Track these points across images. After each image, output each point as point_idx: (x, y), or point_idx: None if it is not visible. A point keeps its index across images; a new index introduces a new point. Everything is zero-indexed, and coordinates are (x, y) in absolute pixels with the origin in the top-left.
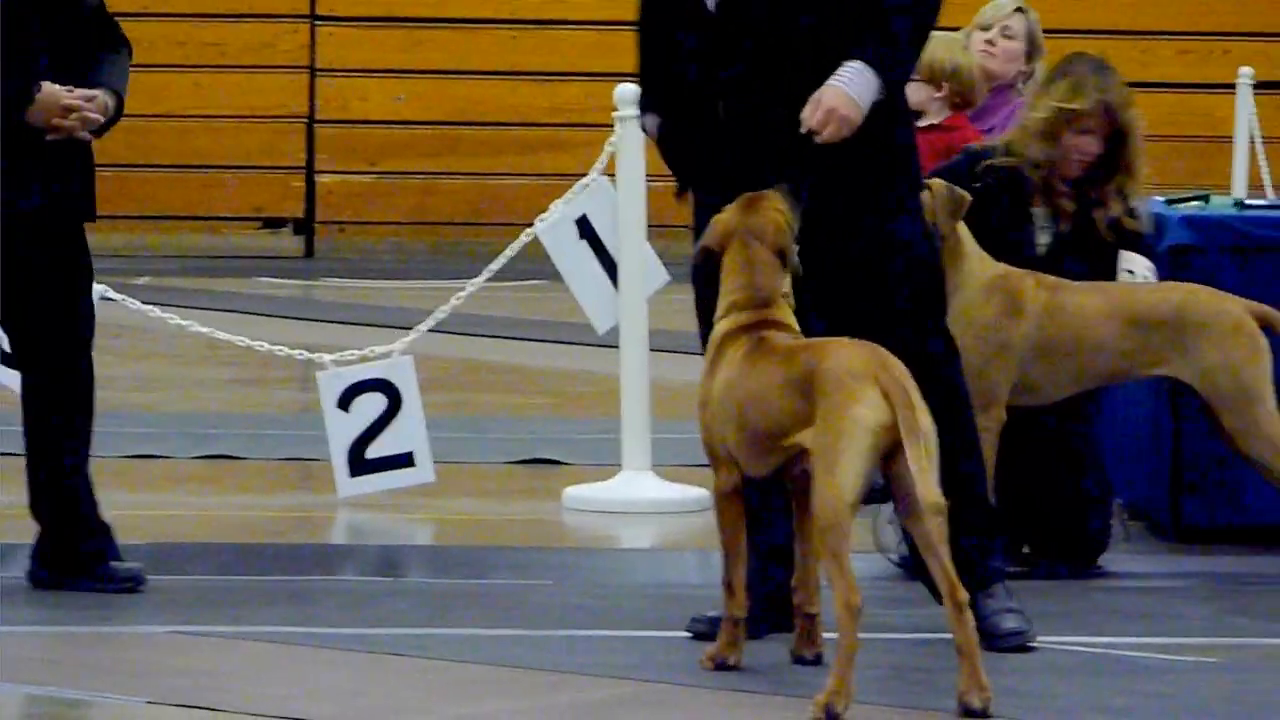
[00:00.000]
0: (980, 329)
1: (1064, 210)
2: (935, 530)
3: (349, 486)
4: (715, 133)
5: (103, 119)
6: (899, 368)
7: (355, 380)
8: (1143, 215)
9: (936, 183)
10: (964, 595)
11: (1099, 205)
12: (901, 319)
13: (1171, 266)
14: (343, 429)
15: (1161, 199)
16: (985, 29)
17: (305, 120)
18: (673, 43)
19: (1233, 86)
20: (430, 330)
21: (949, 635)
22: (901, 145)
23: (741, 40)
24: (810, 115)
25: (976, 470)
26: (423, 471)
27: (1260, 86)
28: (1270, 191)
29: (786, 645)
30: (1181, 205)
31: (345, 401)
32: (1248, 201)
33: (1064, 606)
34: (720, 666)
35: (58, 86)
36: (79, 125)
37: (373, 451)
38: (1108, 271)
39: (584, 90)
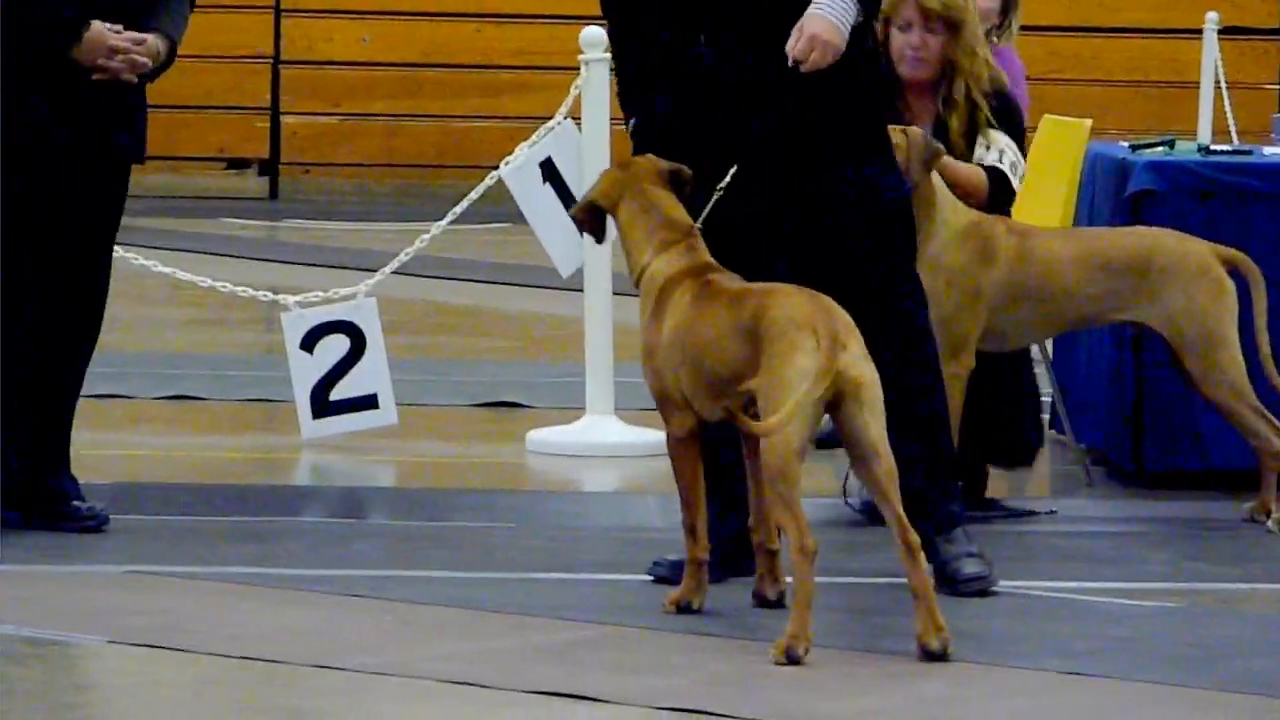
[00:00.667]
0: (952, 275)
1: (907, 118)
2: (883, 476)
3: (312, 428)
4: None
5: (152, 64)
6: (842, 316)
7: (319, 322)
8: (1003, 90)
9: (914, 131)
10: (915, 538)
11: (948, 107)
12: (869, 263)
13: (1136, 211)
14: (306, 371)
15: (1127, 144)
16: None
17: (270, 61)
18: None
19: (1199, 32)
20: (394, 272)
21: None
22: (874, 90)
23: None
24: (793, 45)
25: (938, 413)
26: (386, 414)
27: (1226, 32)
28: (1235, 137)
29: (748, 589)
30: (1147, 150)
31: (309, 343)
32: (1213, 147)
33: (1024, 551)
34: (683, 610)
35: (106, 26)
36: (125, 68)
37: (336, 393)
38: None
39: (549, 33)
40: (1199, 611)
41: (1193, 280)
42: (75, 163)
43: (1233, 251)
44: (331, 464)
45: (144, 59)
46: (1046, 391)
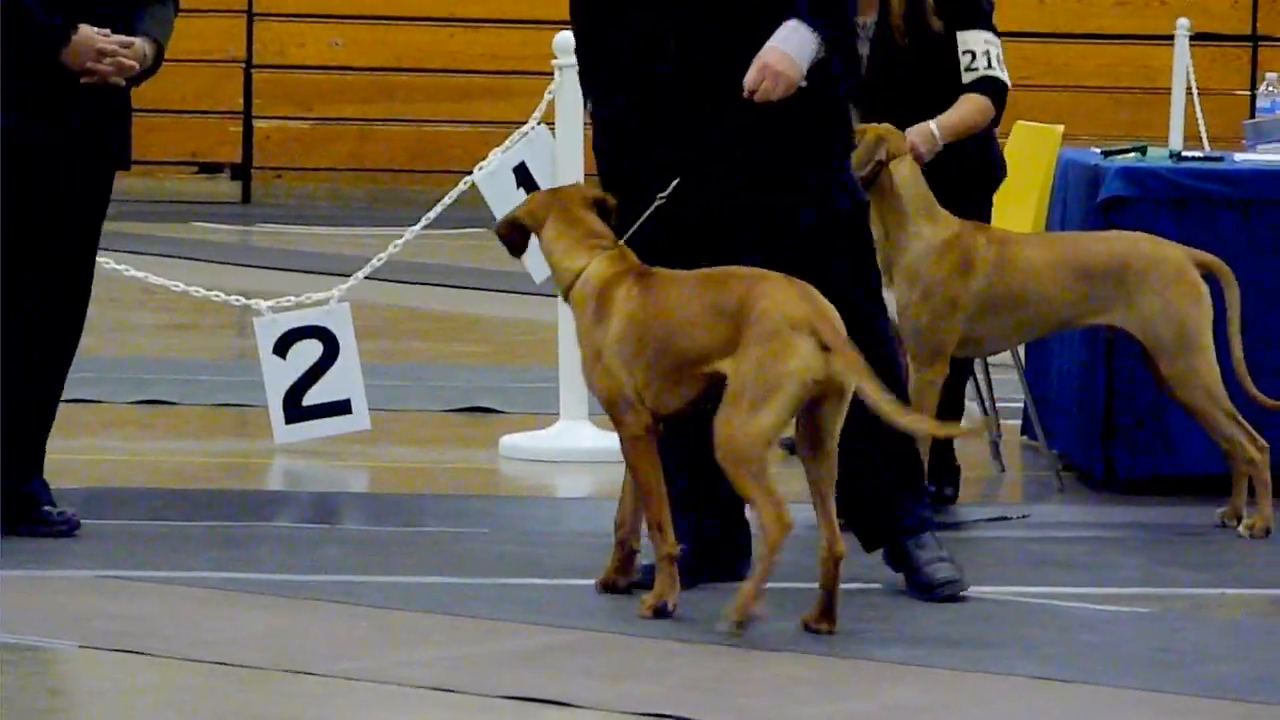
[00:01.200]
0: (930, 286)
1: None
2: (827, 475)
3: (285, 433)
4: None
5: (139, 67)
6: (833, 315)
7: (292, 327)
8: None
9: (871, 130)
10: (843, 551)
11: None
12: (827, 270)
13: (1108, 218)
14: (279, 375)
15: (1098, 150)
16: None
17: (243, 65)
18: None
19: (1170, 38)
20: (367, 277)
21: (877, 585)
22: (838, 108)
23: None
24: (751, 80)
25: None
26: (359, 419)
27: (1197, 38)
28: (1207, 143)
29: (724, 594)
30: (1118, 156)
31: (282, 348)
32: (1184, 153)
33: (996, 556)
34: (659, 611)
35: (94, 30)
36: (114, 71)
37: (309, 398)
38: (951, 71)
39: (522, 38)
40: (1171, 616)
41: (1169, 284)
42: (60, 168)
43: (1208, 256)
44: (304, 469)
45: (131, 62)
46: (1018, 396)
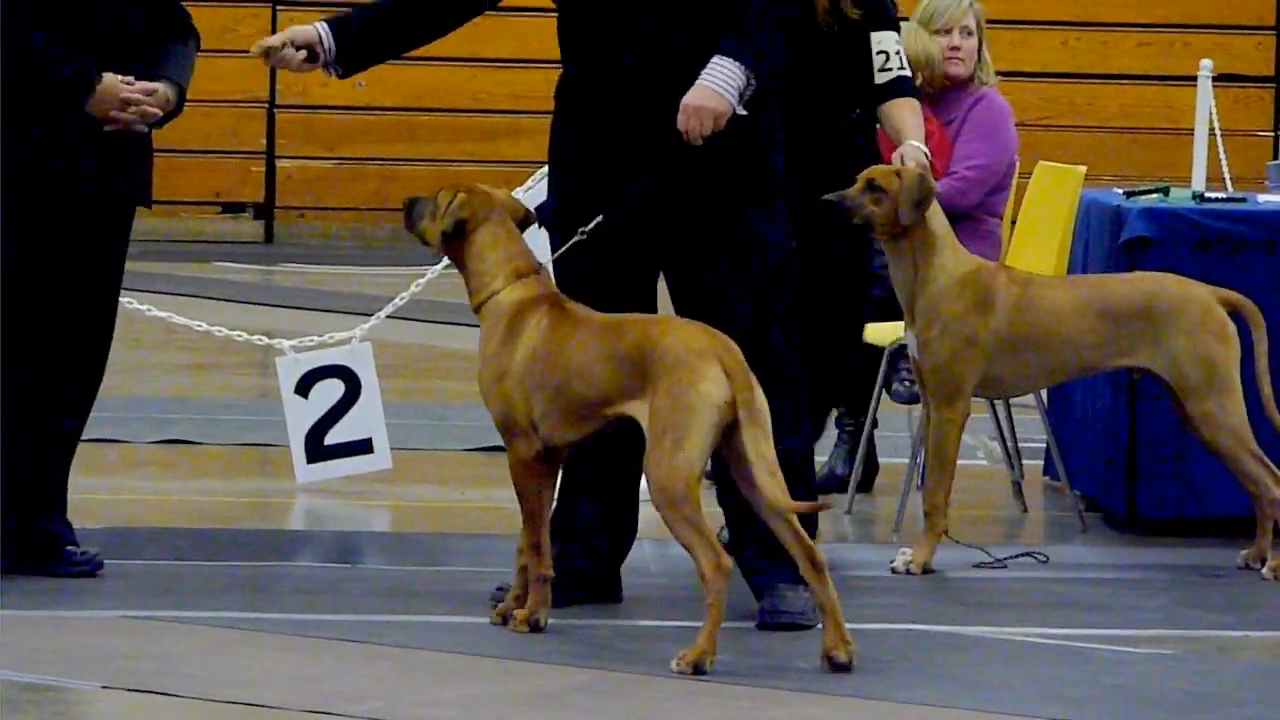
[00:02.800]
0: (947, 323)
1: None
2: (780, 498)
3: (307, 473)
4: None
5: (161, 113)
6: (736, 348)
7: (314, 366)
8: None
9: (908, 171)
10: (822, 557)
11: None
12: (748, 313)
13: (1131, 259)
14: (301, 415)
15: (1121, 191)
16: (946, 32)
17: (266, 105)
18: None
19: (1193, 79)
20: (389, 316)
21: (898, 625)
22: (764, 144)
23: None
24: (680, 122)
25: (801, 449)
26: (381, 458)
27: (1220, 79)
28: (1230, 184)
29: (751, 636)
30: (1141, 197)
31: (304, 387)
32: (1207, 194)
33: (1020, 597)
34: (534, 628)
35: (118, 78)
36: (137, 119)
37: (331, 438)
38: (865, 64)
39: (544, 77)
40: (1194, 658)
41: (1196, 324)
42: (80, 205)
43: (1235, 295)
44: (326, 509)
45: (155, 110)
46: (1040, 436)
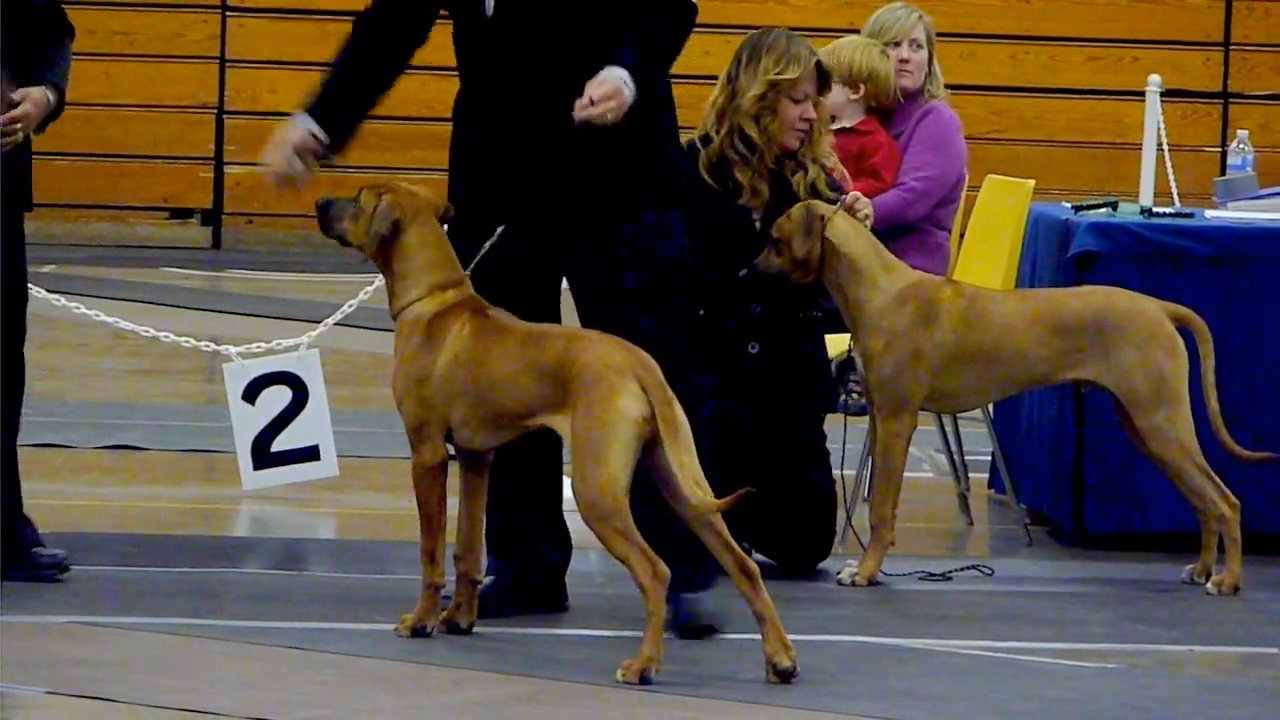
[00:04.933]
0: (890, 337)
1: (759, 190)
2: (707, 501)
3: (253, 479)
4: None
5: (38, 119)
6: (653, 364)
7: (261, 373)
8: (835, 175)
9: (793, 210)
10: (754, 566)
11: (800, 171)
12: (644, 314)
13: (1079, 273)
14: (248, 421)
15: (1069, 205)
16: (895, 45)
17: (215, 111)
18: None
19: (1141, 94)
20: (337, 324)
21: (844, 637)
22: (661, 146)
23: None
24: (586, 97)
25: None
26: (327, 465)
27: (1168, 94)
28: (1177, 199)
29: (691, 646)
30: (1089, 212)
31: (251, 394)
32: (1155, 209)
33: (965, 610)
34: (418, 633)
35: None
36: (17, 140)
37: (278, 445)
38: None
39: None
40: (1138, 673)
41: (1145, 338)
42: None
43: (1183, 309)
44: (272, 515)
45: (21, 129)
46: (986, 449)
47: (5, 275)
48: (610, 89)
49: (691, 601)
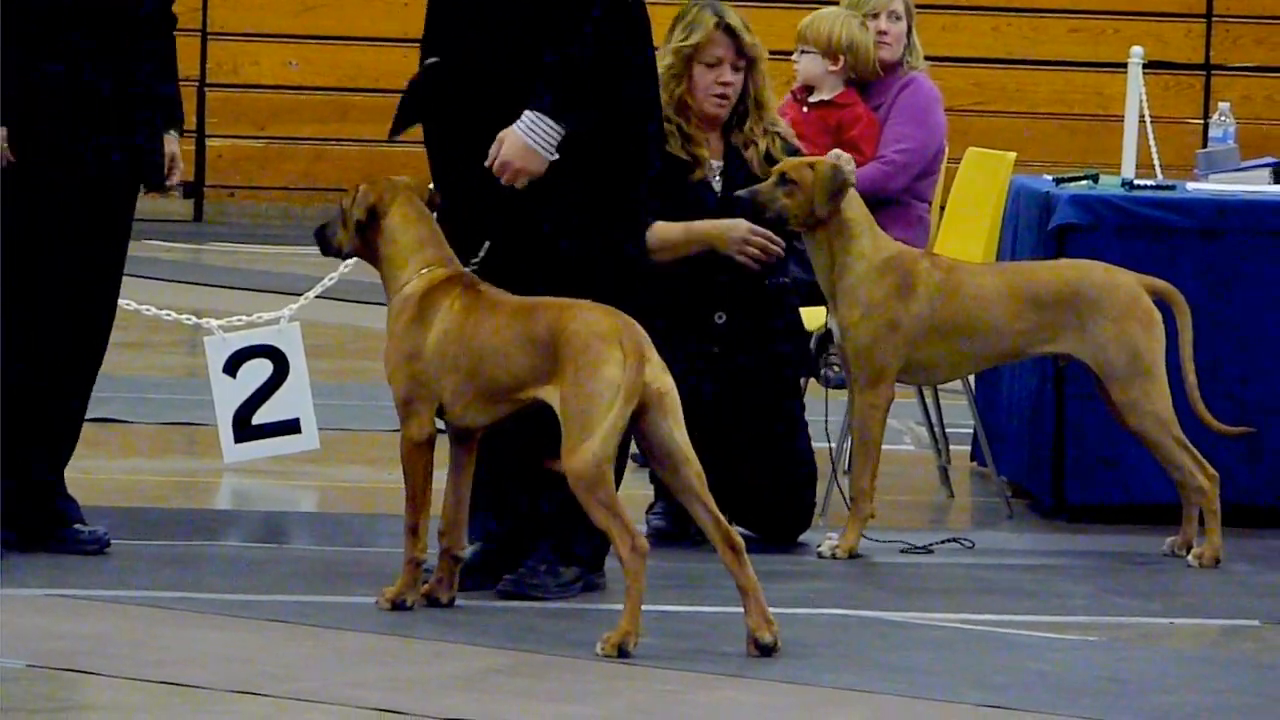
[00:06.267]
0: (867, 308)
1: (700, 157)
2: (695, 480)
3: (234, 452)
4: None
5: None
6: (641, 331)
7: (242, 346)
8: (790, 142)
9: (821, 164)
10: (739, 540)
11: (749, 145)
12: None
13: (1060, 245)
14: (229, 394)
15: (1050, 177)
16: (874, 16)
17: (196, 84)
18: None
19: (1124, 66)
20: (318, 297)
21: (824, 610)
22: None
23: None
24: (493, 155)
25: None
26: (308, 438)
27: (1150, 66)
28: (1159, 172)
29: (668, 619)
30: (1070, 184)
31: (232, 367)
32: (1136, 182)
33: (945, 583)
34: (398, 607)
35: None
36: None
37: (259, 418)
38: None
39: None
40: (1119, 645)
41: (1122, 311)
42: (93, 187)
43: (1161, 283)
44: (253, 488)
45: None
46: (967, 422)
47: (113, 256)
48: (504, 159)
49: (532, 570)
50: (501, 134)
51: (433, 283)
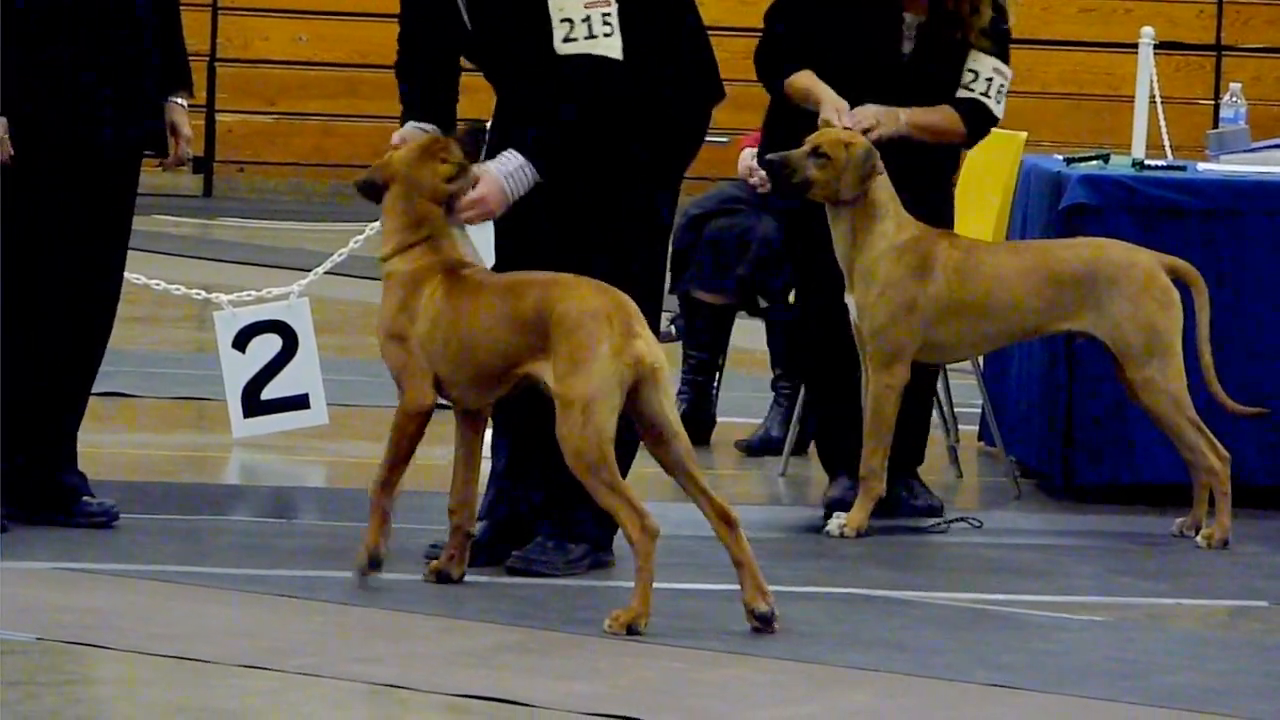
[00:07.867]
0: (885, 288)
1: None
2: (685, 455)
3: (243, 427)
4: None
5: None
6: (633, 305)
7: (251, 321)
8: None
9: (857, 143)
10: (733, 513)
11: (974, 12)
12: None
13: (1069, 225)
14: (238, 369)
15: (1061, 157)
16: None
17: (206, 59)
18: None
19: (1134, 46)
20: (328, 272)
21: (831, 589)
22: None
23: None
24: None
25: None
26: (317, 414)
27: (1161, 47)
28: (1169, 152)
29: (677, 597)
30: (1081, 164)
31: (241, 342)
32: (1147, 162)
33: (954, 562)
34: (373, 566)
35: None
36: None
37: (268, 393)
38: (956, 76)
39: None
40: (1127, 626)
41: (1140, 289)
42: (100, 154)
43: (1178, 261)
44: (262, 464)
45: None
46: (976, 401)
47: (119, 223)
48: (480, 197)
49: (540, 547)
50: (479, 170)
51: (416, 269)
